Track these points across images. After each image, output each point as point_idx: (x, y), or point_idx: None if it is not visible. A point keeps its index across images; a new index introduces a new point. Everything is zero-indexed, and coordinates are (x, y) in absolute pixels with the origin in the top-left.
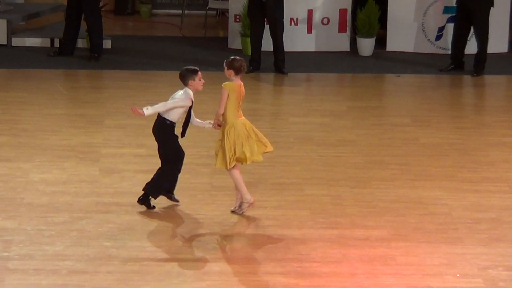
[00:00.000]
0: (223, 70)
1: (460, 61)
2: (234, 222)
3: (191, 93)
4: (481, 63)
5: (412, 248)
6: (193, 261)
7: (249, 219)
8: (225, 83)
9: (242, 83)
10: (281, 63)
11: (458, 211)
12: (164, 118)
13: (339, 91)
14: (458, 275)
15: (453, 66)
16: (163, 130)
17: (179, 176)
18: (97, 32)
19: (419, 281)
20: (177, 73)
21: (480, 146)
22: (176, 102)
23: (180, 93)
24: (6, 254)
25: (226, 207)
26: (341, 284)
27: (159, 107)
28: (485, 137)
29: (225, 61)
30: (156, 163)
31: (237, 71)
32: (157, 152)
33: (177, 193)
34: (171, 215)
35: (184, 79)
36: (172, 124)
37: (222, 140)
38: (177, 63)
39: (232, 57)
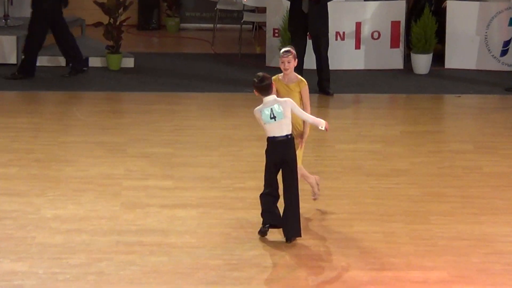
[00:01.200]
0: None
1: None
2: (273, 264)
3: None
4: None
5: None
6: None
7: (290, 258)
8: (303, 79)
9: None
10: (326, 83)
11: None
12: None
13: (391, 114)
14: None
15: None
16: None
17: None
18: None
19: None
20: (210, 96)
21: None
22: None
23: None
24: None
25: (264, 246)
26: None
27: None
28: None
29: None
30: (185, 197)
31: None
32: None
33: (207, 231)
34: (203, 255)
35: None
36: None
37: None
38: (209, 84)
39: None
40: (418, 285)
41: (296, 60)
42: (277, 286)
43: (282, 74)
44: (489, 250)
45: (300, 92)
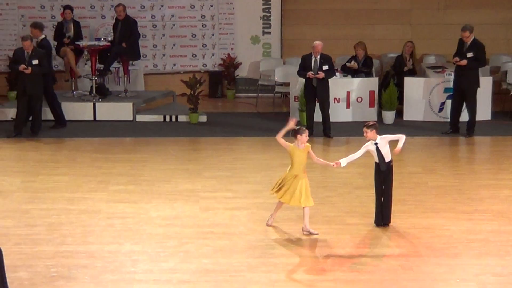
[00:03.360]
0: (287, 136)
1: (457, 127)
2: (296, 244)
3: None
4: (472, 128)
5: (424, 262)
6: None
7: (309, 245)
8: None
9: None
10: (328, 130)
11: (457, 234)
12: None
13: None
14: (458, 280)
15: (451, 130)
16: None
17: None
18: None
19: (429, 285)
20: (255, 139)
21: (473, 187)
22: None
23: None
24: (133, 269)
25: (291, 233)
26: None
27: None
28: (476, 181)
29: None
30: (240, 202)
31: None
32: None
33: (254, 224)
34: (252, 239)
35: None
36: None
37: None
38: (254, 131)
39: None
40: (385, 258)
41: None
42: (299, 259)
43: (296, 143)
44: (432, 235)
45: (307, 152)
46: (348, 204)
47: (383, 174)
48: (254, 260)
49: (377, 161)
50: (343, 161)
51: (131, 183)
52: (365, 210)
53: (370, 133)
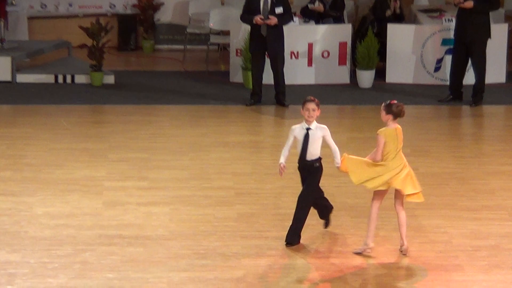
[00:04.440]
0: (224, 103)
1: (459, 92)
2: (235, 253)
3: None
4: (479, 94)
5: (411, 277)
6: None
7: (251, 248)
8: (380, 129)
9: (399, 126)
10: (282, 96)
11: (458, 238)
12: None
13: (339, 122)
14: None
15: (451, 97)
16: None
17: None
18: None
19: None
20: (181, 108)
21: (479, 175)
22: None
23: None
24: (9, 287)
25: (227, 237)
26: None
27: None
28: (484, 166)
29: (382, 105)
30: (159, 195)
31: (396, 116)
32: None
33: (178, 225)
34: (174, 246)
35: None
36: None
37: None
38: (179, 97)
39: (390, 101)
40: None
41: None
42: (240, 272)
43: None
44: (424, 240)
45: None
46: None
47: (303, 175)
48: (178, 274)
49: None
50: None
51: (8, 168)
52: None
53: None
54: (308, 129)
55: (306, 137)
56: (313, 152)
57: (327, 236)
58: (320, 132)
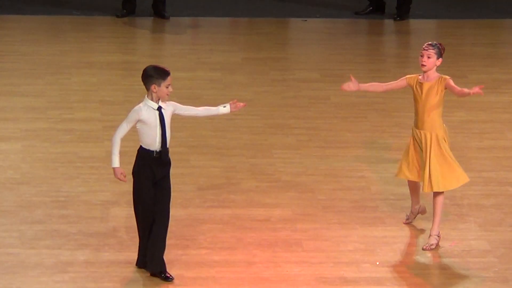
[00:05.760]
0: (89, 13)
1: (380, 2)
2: (102, 201)
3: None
4: (405, 5)
5: (321, 231)
6: (53, 249)
7: (112, 195)
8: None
9: None
10: (161, 5)
11: (378, 185)
12: None
13: (233, 39)
14: (377, 263)
15: (371, 8)
16: None
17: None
18: None
19: (330, 270)
20: (33, 18)
21: (405, 106)
22: None
23: None
24: None
25: (93, 182)
26: (235, 275)
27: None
28: (410, 95)
29: (431, 47)
30: (8, 129)
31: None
32: None
33: (32, 165)
34: (27, 192)
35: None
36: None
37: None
38: (33, 6)
39: (435, 42)
40: (260, 224)
41: (439, 60)
42: (109, 224)
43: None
44: (336, 186)
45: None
46: (194, 133)
47: (159, 172)
48: (32, 227)
49: (148, 143)
50: None
51: None
52: (224, 143)
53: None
54: (160, 108)
55: (162, 119)
56: (169, 139)
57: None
58: (170, 109)
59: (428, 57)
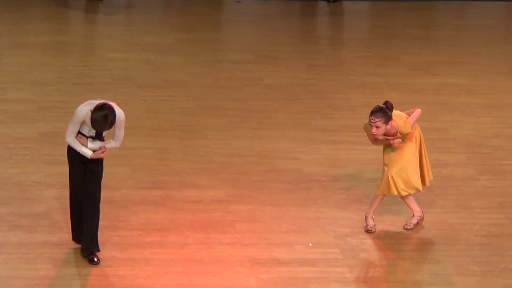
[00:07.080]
0: None
1: None
2: (36, 182)
3: None
4: None
5: (254, 212)
6: None
7: (55, 178)
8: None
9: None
10: None
11: (311, 166)
12: None
13: (165, 20)
14: (310, 244)
15: None
16: None
17: None
18: None
19: (262, 252)
20: None
21: (337, 87)
22: None
23: None
24: None
25: (26, 163)
26: (168, 256)
27: None
28: (344, 77)
29: (375, 115)
30: None
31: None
32: None
33: None
34: None
35: None
36: None
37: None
38: None
39: (378, 106)
40: (193, 205)
41: (389, 123)
42: (42, 206)
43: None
44: (269, 168)
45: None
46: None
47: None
48: None
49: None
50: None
51: None
52: (157, 124)
53: (378, 130)
54: None
55: None
56: None
57: None
58: None
59: (377, 127)
